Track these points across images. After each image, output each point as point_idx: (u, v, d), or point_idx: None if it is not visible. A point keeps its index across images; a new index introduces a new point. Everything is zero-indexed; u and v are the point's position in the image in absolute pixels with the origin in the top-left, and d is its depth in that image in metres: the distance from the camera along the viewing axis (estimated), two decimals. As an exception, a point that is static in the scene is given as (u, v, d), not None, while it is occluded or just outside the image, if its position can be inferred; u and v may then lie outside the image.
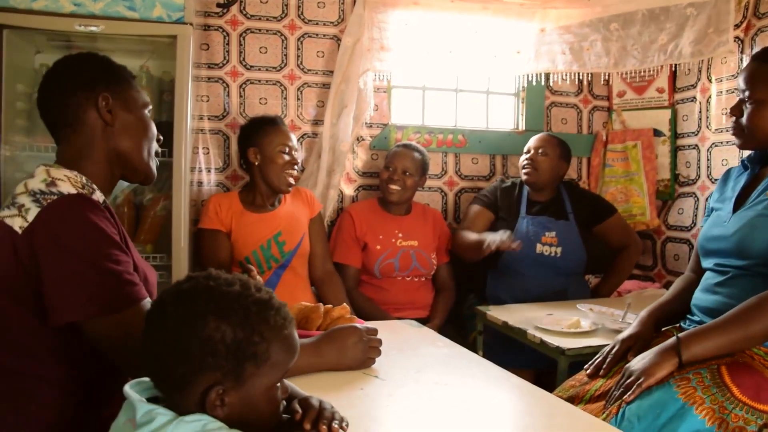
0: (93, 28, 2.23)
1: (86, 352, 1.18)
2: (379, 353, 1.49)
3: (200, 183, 2.93)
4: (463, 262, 2.94)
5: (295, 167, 2.52)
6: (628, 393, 1.45)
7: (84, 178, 1.26)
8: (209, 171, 2.97)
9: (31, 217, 1.15)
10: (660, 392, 1.44)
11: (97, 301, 1.12)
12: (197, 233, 2.55)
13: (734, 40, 2.88)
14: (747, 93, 1.66)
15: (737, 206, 1.71)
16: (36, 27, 2.23)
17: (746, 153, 1.82)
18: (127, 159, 1.36)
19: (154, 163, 1.44)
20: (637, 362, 1.51)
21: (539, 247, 2.75)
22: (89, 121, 1.31)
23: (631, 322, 2.06)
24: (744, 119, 1.68)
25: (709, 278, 1.73)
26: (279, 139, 2.49)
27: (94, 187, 1.27)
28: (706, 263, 1.76)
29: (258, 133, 2.51)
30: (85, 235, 1.14)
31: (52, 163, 1.28)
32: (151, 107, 1.44)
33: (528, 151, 2.88)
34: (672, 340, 1.50)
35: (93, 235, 1.15)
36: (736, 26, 2.87)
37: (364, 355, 1.45)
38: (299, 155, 2.62)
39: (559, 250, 2.75)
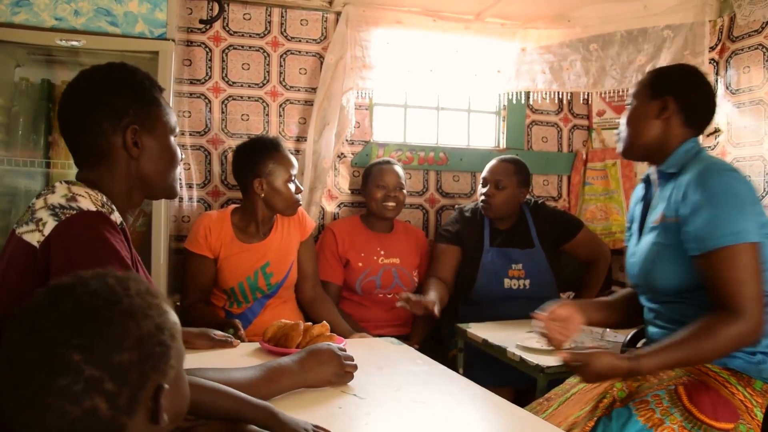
0: (74, 43, 2.21)
1: None
2: (355, 368, 1.49)
3: (180, 199, 2.92)
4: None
5: (300, 194, 2.47)
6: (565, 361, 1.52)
7: (104, 197, 1.25)
8: (190, 187, 2.96)
9: (47, 230, 1.14)
10: (621, 416, 1.46)
11: None
12: (183, 252, 2.48)
13: (709, 62, 2.94)
14: (630, 97, 1.78)
15: (640, 232, 1.74)
16: (16, 41, 2.20)
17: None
18: (150, 183, 1.36)
19: (177, 184, 1.43)
20: (595, 357, 1.47)
21: (507, 282, 2.71)
22: (114, 152, 1.30)
23: (610, 339, 2.09)
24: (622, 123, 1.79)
25: (646, 310, 1.76)
26: (286, 169, 2.40)
27: (114, 207, 1.26)
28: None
29: (263, 163, 2.38)
30: (98, 253, 1.13)
31: (74, 180, 1.28)
32: (177, 130, 1.41)
33: (485, 184, 2.79)
34: (630, 361, 1.48)
35: (106, 254, 1.14)
36: (711, 49, 2.94)
37: (341, 369, 1.45)
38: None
39: (527, 282, 2.72)
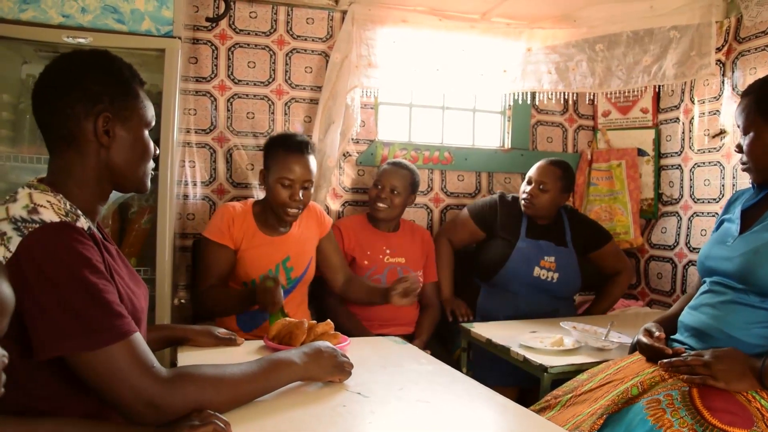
0: (81, 40, 2.22)
1: (75, 386, 1.14)
2: (351, 365, 1.49)
3: (186, 196, 2.93)
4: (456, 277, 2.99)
5: (294, 205, 2.28)
6: (694, 377, 1.48)
7: (68, 204, 1.20)
8: (195, 184, 2.96)
9: (13, 246, 1.09)
10: (631, 413, 1.45)
11: (85, 333, 1.08)
12: (202, 240, 2.38)
13: (716, 63, 2.93)
14: (741, 127, 1.70)
15: (743, 227, 1.70)
16: (23, 37, 2.21)
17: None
18: (118, 175, 1.32)
19: (148, 178, 1.39)
20: (720, 362, 1.48)
21: (537, 270, 2.74)
22: (84, 137, 1.25)
23: (614, 341, 2.08)
24: (744, 153, 1.71)
25: (702, 297, 1.74)
26: (282, 170, 2.26)
27: (79, 213, 1.21)
28: (705, 280, 1.77)
29: (270, 155, 2.32)
30: (69, 265, 1.10)
31: (37, 184, 1.23)
32: (153, 124, 1.38)
33: (529, 182, 2.82)
34: (760, 363, 1.47)
35: (78, 265, 1.10)
36: (718, 50, 2.93)
37: (338, 365, 1.46)
38: (311, 190, 2.38)
39: (556, 276, 2.75)
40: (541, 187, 2.77)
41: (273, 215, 2.38)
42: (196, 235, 2.94)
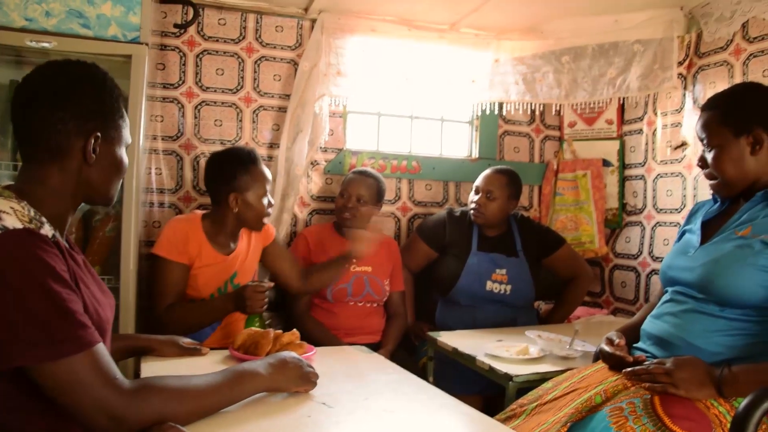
0: (45, 45, 2.18)
1: (38, 398, 1.11)
2: (316, 375, 1.49)
3: (152, 204, 2.89)
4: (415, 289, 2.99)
5: (270, 209, 2.39)
6: (655, 385, 1.51)
7: (32, 210, 1.17)
8: (161, 192, 2.93)
9: None
10: (594, 421, 1.47)
11: (47, 343, 1.06)
12: (155, 259, 2.24)
13: (678, 77, 3.00)
14: (705, 141, 1.72)
15: (704, 238, 1.73)
16: (-16, 41, 2.17)
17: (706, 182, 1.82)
18: (93, 190, 1.31)
19: (117, 193, 1.40)
20: (681, 371, 1.51)
21: (489, 285, 2.77)
22: (70, 152, 1.24)
23: (579, 349, 2.11)
24: (710, 167, 1.72)
25: (664, 306, 1.77)
26: (263, 185, 2.32)
27: (43, 220, 1.18)
28: (667, 290, 1.80)
29: (241, 177, 2.28)
30: (32, 273, 1.07)
31: (2, 190, 1.19)
32: (130, 143, 1.39)
33: (477, 192, 2.86)
34: (719, 372, 1.49)
35: (41, 273, 1.08)
36: (680, 63, 3.00)
37: (303, 375, 1.46)
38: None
39: (508, 288, 2.78)
40: (488, 195, 2.81)
41: (226, 233, 2.34)
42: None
